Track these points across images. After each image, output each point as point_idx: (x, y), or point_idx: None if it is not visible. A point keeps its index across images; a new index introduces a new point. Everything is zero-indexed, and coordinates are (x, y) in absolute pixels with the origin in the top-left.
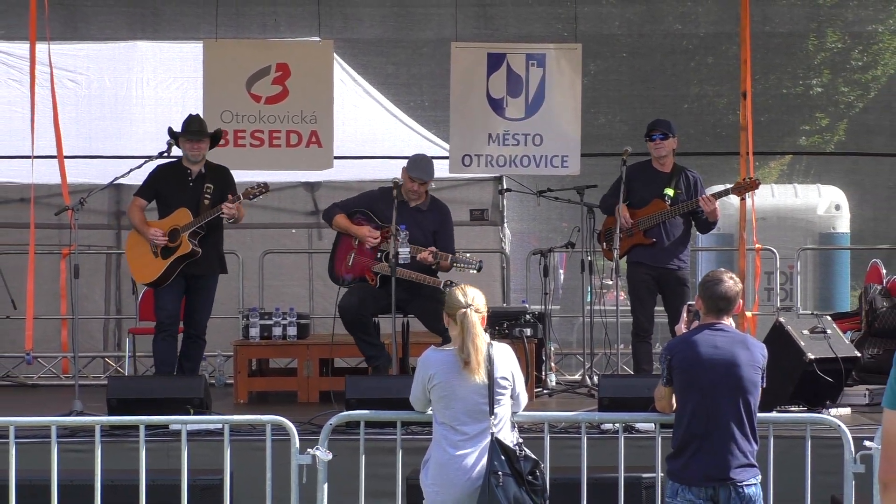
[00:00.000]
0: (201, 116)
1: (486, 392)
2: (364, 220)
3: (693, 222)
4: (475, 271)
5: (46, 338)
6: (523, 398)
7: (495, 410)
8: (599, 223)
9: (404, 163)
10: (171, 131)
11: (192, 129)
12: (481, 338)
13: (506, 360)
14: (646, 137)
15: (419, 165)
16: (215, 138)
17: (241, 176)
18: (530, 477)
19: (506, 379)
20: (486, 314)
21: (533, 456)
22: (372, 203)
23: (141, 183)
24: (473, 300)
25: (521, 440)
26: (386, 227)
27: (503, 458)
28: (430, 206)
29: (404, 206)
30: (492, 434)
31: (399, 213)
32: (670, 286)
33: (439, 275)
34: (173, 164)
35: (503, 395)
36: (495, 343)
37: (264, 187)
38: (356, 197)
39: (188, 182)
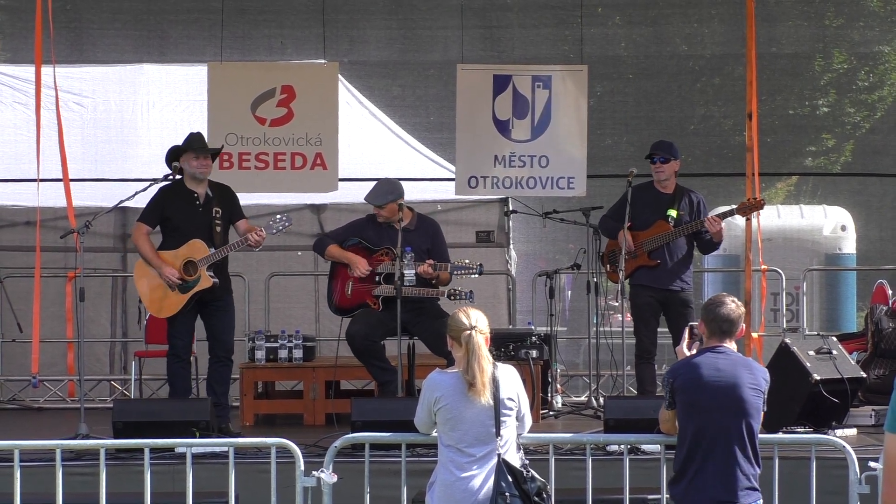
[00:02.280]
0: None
1: (493, 414)
2: (357, 248)
3: (696, 243)
4: (477, 275)
5: (53, 361)
6: (528, 420)
7: (501, 432)
8: (605, 245)
9: (409, 185)
10: (175, 150)
11: (201, 146)
12: (486, 359)
13: (511, 382)
14: (647, 158)
15: (371, 190)
16: (214, 156)
17: (246, 199)
18: (537, 498)
19: (511, 400)
20: (489, 335)
21: (539, 477)
22: (360, 230)
23: (144, 207)
24: (477, 322)
25: (527, 461)
26: (377, 250)
27: (510, 479)
28: (418, 225)
29: (392, 230)
30: (499, 455)
31: (388, 236)
32: (674, 308)
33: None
34: (176, 186)
35: (509, 416)
36: (500, 364)
37: (287, 220)
38: (345, 226)
39: (197, 206)
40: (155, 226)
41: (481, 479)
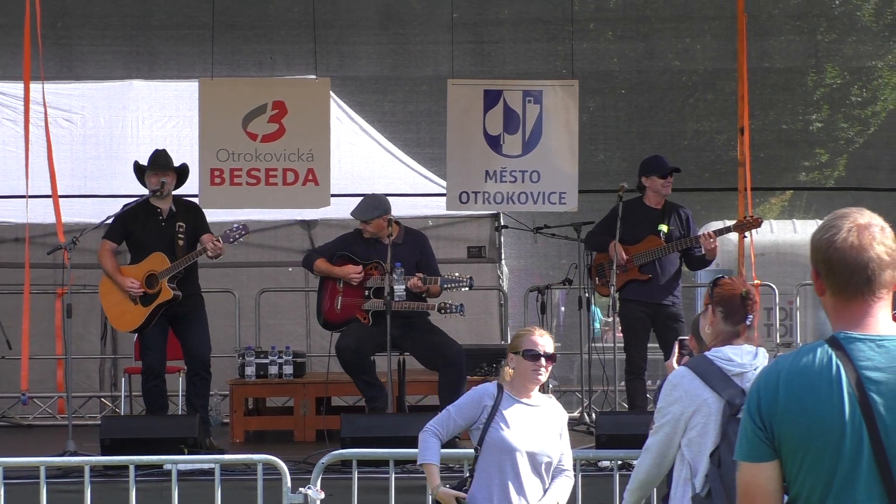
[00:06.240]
0: (167, 152)
1: None
2: (345, 262)
3: (684, 259)
4: (467, 289)
5: (42, 378)
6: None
7: None
8: (594, 258)
9: (400, 201)
10: (136, 165)
11: (157, 163)
12: None
13: None
14: (656, 176)
15: (357, 206)
16: (182, 175)
17: (237, 215)
18: None
19: None
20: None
21: None
22: (349, 245)
23: (108, 226)
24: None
25: None
26: (366, 264)
27: None
28: (406, 239)
29: (380, 244)
30: None
31: (376, 251)
32: (664, 322)
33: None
34: (141, 203)
35: None
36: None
37: (244, 229)
38: (332, 242)
39: (160, 222)
40: (119, 242)
41: None
